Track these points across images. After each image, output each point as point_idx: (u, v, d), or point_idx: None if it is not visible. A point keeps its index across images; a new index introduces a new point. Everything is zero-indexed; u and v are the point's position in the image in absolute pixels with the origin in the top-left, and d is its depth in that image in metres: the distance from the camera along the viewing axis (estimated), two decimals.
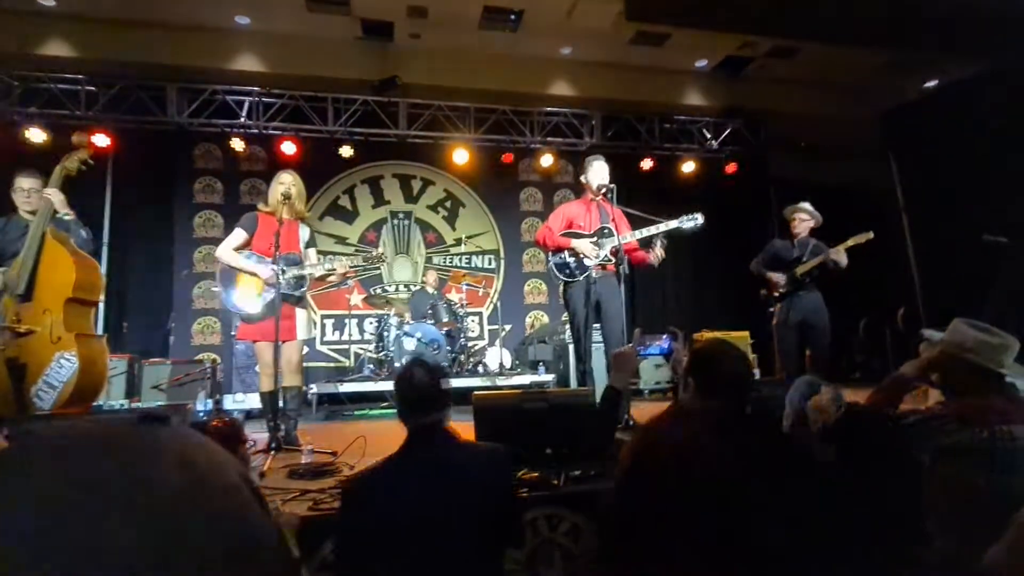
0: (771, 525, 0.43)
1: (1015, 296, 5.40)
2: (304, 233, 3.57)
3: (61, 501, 0.31)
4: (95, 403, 3.62)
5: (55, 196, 3.32)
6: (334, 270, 3.54)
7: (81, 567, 0.30)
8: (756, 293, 4.82)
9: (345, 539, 1.56)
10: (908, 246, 7.44)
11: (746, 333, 6.61)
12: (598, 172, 3.92)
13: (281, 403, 3.45)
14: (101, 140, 6.28)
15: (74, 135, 3.68)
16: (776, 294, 4.56)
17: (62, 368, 3.13)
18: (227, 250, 3.45)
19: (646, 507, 0.46)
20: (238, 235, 3.48)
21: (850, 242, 4.35)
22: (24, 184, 3.39)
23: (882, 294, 7.57)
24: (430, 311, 6.29)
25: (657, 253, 3.76)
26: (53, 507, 0.31)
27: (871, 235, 4.34)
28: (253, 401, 5.37)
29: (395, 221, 7.93)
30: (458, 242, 7.91)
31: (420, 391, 1.62)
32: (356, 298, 7.27)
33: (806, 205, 4.65)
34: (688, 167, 7.96)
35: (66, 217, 3.40)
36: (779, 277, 4.53)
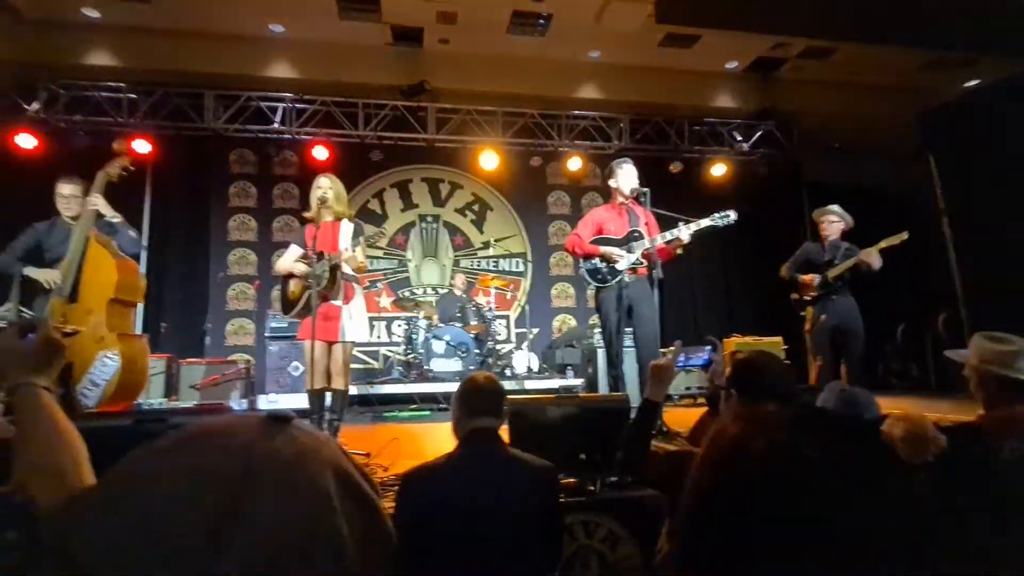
0: (867, 530, 0.41)
1: None
2: (346, 232, 3.59)
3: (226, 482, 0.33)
4: (136, 402, 3.73)
5: (99, 201, 3.44)
6: (341, 254, 3.49)
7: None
8: (788, 298, 4.73)
9: (398, 530, 1.58)
10: (949, 249, 7.20)
11: (779, 339, 6.47)
12: (628, 175, 3.89)
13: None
14: (142, 146, 6.50)
15: (115, 143, 3.81)
16: (808, 298, 4.44)
17: (105, 367, 3.22)
18: (282, 262, 3.64)
19: (737, 514, 0.45)
20: (294, 251, 3.59)
21: (883, 243, 4.23)
22: (64, 190, 3.50)
23: (922, 299, 7.34)
24: (458, 314, 6.33)
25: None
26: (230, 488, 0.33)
27: (905, 235, 4.21)
28: (286, 401, 5.46)
29: (423, 225, 8.00)
30: (486, 245, 7.95)
31: (480, 392, 1.71)
32: (385, 301, 7.35)
33: (835, 207, 4.55)
34: (718, 170, 7.86)
35: (114, 220, 3.52)
36: (812, 277, 4.42)
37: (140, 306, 6.40)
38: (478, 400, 1.70)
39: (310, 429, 0.41)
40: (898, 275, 4.90)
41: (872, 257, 4.17)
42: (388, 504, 2.06)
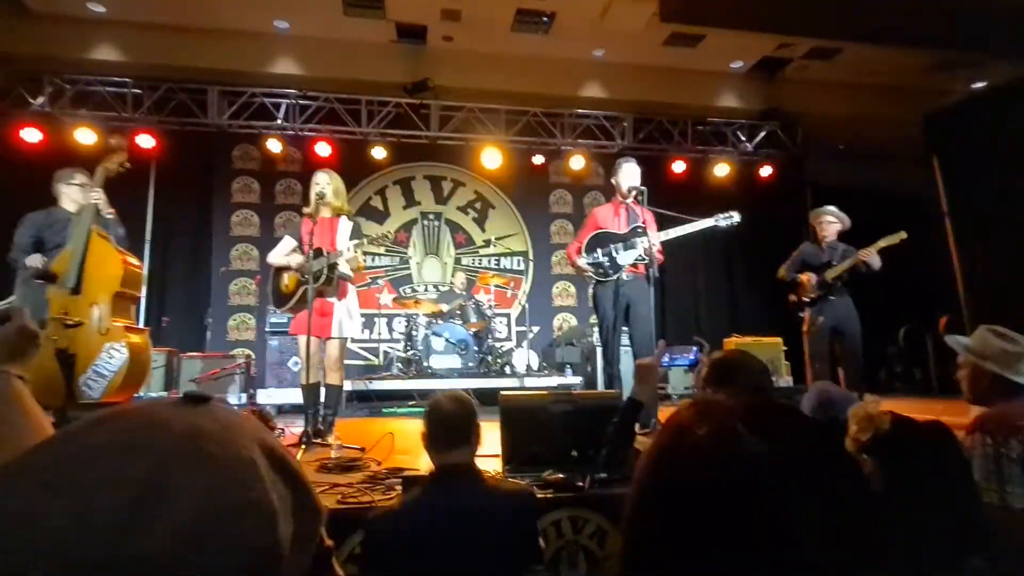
0: (815, 529, 0.41)
1: None
2: (344, 229, 3.61)
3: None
4: (136, 394, 3.76)
5: (101, 196, 3.47)
6: (341, 254, 3.49)
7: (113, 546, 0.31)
8: (788, 299, 4.73)
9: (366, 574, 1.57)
10: (952, 251, 7.16)
11: (779, 339, 6.47)
12: (628, 174, 3.90)
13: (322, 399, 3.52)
14: (146, 141, 6.54)
15: (112, 138, 3.84)
16: (806, 299, 4.44)
17: (112, 358, 3.26)
18: (275, 255, 3.63)
19: (672, 504, 0.45)
20: (287, 242, 3.61)
21: (882, 243, 4.23)
22: (77, 179, 3.57)
23: (924, 302, 7.31)
24: (458, 311, 6.34)
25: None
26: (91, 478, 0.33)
27: (904, 235, 4.23)
28: (286, 396, 5.50)
29: (425, 222, 8.02)
30: (487, 243, 7.95)
31: (447, 422, 1.57)
32: (386, 297, 7.37)
33: (832, 208, 4.57)
34: (722, 170, 7.83)
35: (108, 216, 3.55)
36: (810, 276, 4.42)
37: (143, 299, 6.46)
38: (446, 432, 1.57)
39: (230, 407, 0.41)
40: (901, 278, 4.90)
41: (871, 256, 4.17)
42: (371, 499, 2.07)
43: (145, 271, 6.32)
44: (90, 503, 0.30)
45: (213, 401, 0.40)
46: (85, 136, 6.32)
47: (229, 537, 0.33)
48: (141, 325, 5.66)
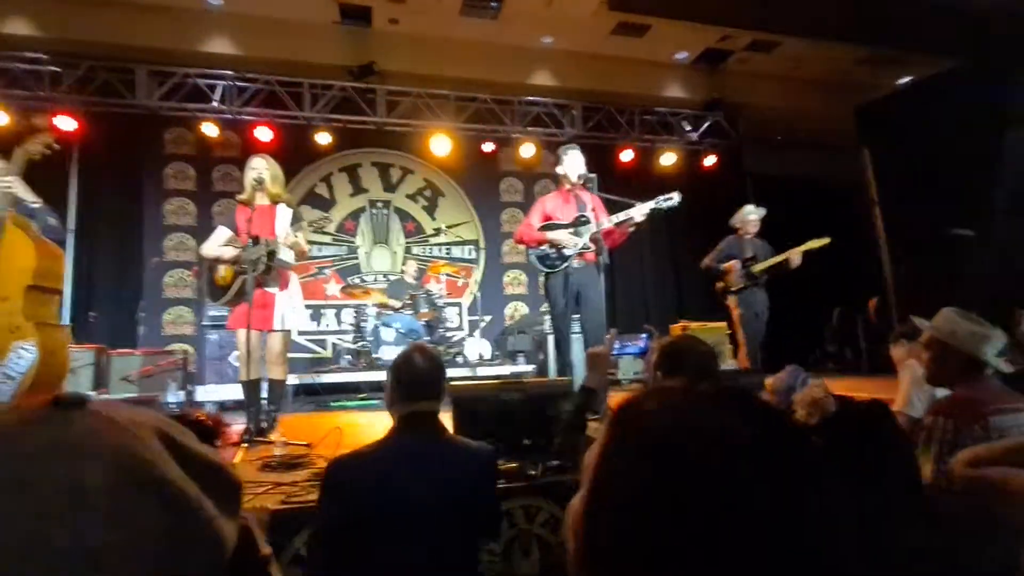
0: (775, 514, 0.41)
1: (980, 287, 5.55)
2: (284, 216, 3.46)
3: None
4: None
5: (15, 183, 3.19)
6: (283, 239, 3.34)
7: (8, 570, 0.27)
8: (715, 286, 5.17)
9: (322, 524, 1.53)
10: (880, 238, 7.58)
11: (723, 324, 6.67)
12: (574, 161, 3.91)
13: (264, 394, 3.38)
14: (67, 123, 6.05)
15: (36, 117, 3.54)
16: (732, 288, 4.98)
17: (20, 359, 3.01)
18: (209, 246, 3.43)
19: (626, 487, 0.44)
20: (221, 232, 3.42)
21: (808, 245, 4.75)
22: None
23: (854, 285, 7.71)
24: (409, 301, 6.24)
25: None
26: None
27: (828, 240, 4.77)
28: (226, 392, 5.28)
29: (374, 210, 7.83)
30: (438, 232, 7.85)
31: (418, 376, 1.59)
32: (334, 288, 7.17)
33: (751, 207, 5.22)
34: (667, 159, 7.99)
35: (34, 205, 3.27)
36: (735, 266, 4.94)
37: (68, 294, 6.04)
38: (416, 383, 1.58)
39: (109, 413, 0.36)
40: (833, 262, 5.27)
41: (795, 256, 4.73)
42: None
43: (69, 263, 5.90)
44: (28, 536, 0.26)
45: (88, 405, 0.34)
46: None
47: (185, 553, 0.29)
48: (67, 321, 5.29)
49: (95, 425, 0.34)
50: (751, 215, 5.13)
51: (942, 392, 2.06)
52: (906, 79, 8.05)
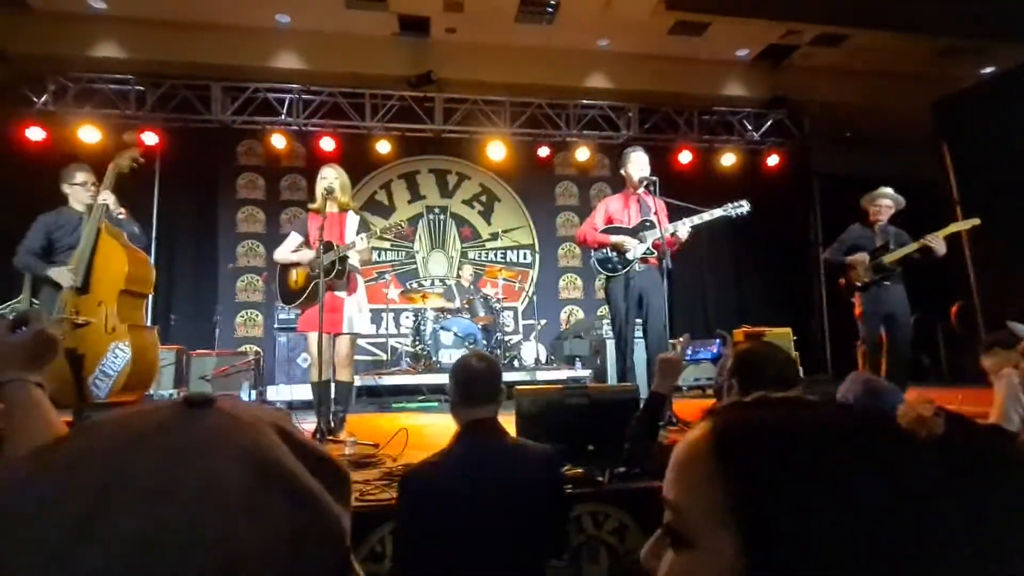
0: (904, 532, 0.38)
1: None
2: (352, 223, 3.59)
3: (114, 495, 0.29)
4: (147, 392, 3.75)
5: (110, 197, 3.43)
6: (353, 245, 3.43)
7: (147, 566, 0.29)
8: (799, 289, 4.69)
9: (402, 530, 1.58)
10: (963, 239, 7.09)
11: (788, 330, 6.43)
12: (638, 164, 3.86)
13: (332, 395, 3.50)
14: (150, 138, 6.51)
15: (125, 134, 3.80)
16: (858, 284, 4.22)
17: (116, 358, 3.24)
18: (282, 251, 3.59)
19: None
20: (294, 239, 3.58)
21: (952, 228, 4.06)
22: (78, 177, 3.51)
23: (935, 290, 7.25)
24: (466, 305, 6.32)
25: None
26: (107, 502, 0.29)
27: (978, 222, 4.10)
28: (295, 392, 5.49)
29: (431, 216, 7.98)
30: (494, 236, 7.93)
31: (478, 382, 1.62)
32: (393, 292, 7.35)
33: (888, 190, 4.34)
34: (728, 159, 7.77)
35: (119, 216, 3.53)
36: (863, 259, 4.20)
37: (150, 298, 6.45)
38: (474, 388, 1.62)
39: (235, 411, 0.37)
40: (911, 266, 4.88)
41: (937, 242, 3.96)
42: (391, 496, 2.05)
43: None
44: (20, 543, 0.27)
45: (217, 405, 0.36)
46: (89, 134, 6.30)
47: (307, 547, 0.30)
48: (149, 323, 5.66)
49: (224, 424, 0.35)
50: (883, 198, 4.28)
51: None
52: (988, 70, 7.53)
